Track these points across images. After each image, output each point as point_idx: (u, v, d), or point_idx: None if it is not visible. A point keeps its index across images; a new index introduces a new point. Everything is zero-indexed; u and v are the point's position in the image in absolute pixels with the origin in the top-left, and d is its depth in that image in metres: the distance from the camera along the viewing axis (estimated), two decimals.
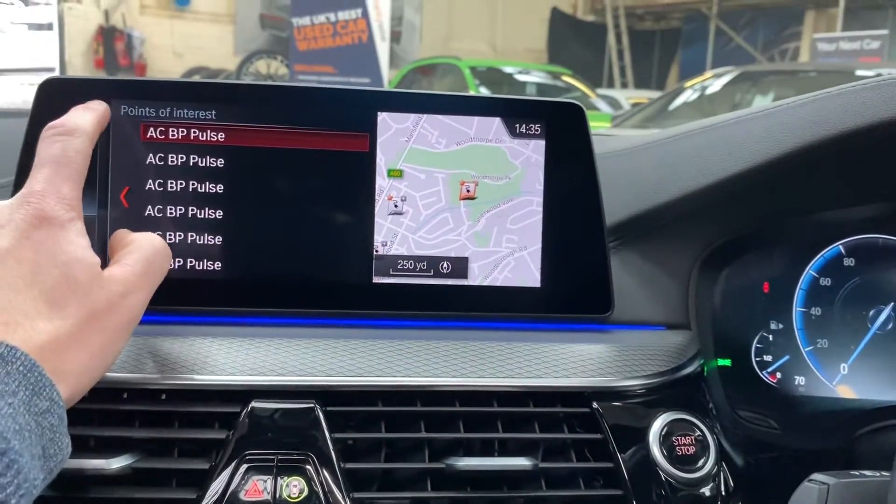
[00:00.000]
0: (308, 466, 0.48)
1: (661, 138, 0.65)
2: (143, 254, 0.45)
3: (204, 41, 10.17)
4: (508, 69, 7.63)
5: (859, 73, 4.70)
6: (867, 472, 0.42)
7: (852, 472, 0.42)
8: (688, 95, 5.34)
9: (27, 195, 0.42)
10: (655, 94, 7.42)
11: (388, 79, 6.85)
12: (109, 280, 0.42)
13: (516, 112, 0.58)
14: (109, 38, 9.86)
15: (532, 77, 7.48)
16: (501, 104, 0.58)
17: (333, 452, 0.49)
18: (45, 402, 0.37)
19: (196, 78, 9.39)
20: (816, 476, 0.42)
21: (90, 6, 9.82)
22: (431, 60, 7.87)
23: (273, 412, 0.50)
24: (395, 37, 9.13)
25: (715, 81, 5.33)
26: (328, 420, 0.50)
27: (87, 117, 0.48)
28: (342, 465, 0.49)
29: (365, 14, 6.47)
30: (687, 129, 0.63)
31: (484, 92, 6.75)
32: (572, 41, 11.76)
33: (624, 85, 11.10)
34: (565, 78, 7.47)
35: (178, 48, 10.14)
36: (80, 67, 9.79)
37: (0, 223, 0.40)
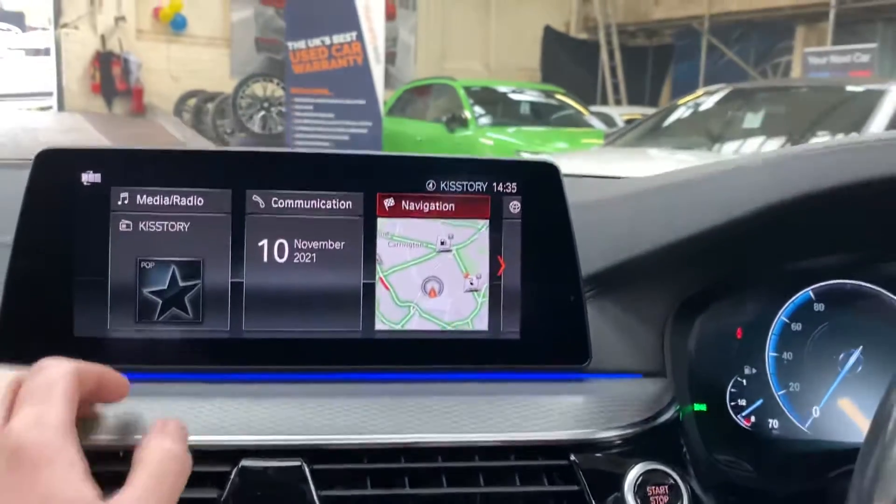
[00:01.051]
0: None
1: (635, 191, 0.68)
2: (156, 470, 0.40)
3: (200, 65, 10.24)
4: (502, 88, 7.69)
5: (849, 88, 4.75)
6: None
7: None
8: (681, 112, 5.39)
9: (6, 432, 0.37)
10: (649, 111, 7.48)
11: (384, 100, 6.90)
12: None
13: (494, 172, 0.61)
14: (106, 62, 9.93)
15: (526, 96, 7.54)
16: (482, 166, 0.61)
17: None
18: None
19: (191, 102, 9.45)
20: None
21: (87, 32, 9.90)
22: (426, 81, 7.93)
23: (262, 470, 0.52)
24: (390, 58, 9.21)
25: (707, 99, 5.38)
26: (315, 478, 0.52)
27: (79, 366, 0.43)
28: None
29: (360, 37, 6.52)
30: (659, 184, 0.65)
31: (478, 111, 6.80)
32: (565, 59, 11.85)
33: (617, 102, 11.17)
34: (559, 96, 7.53)
35: (175, 72, 10.20)
36: (78, 92, 9.86)
37: None
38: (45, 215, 0.58)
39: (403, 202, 0.60)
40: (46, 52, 10.45)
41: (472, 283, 0.61)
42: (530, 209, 0.61)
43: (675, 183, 0.65)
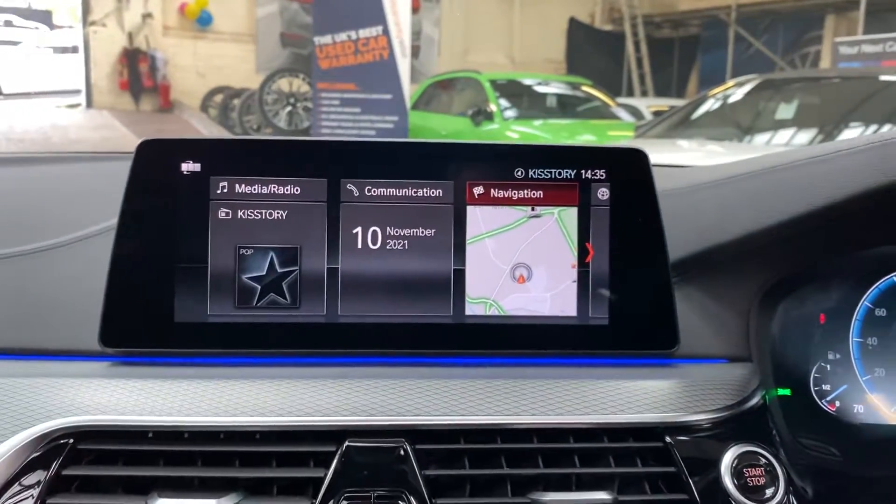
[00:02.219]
0: (401, 503, 0.51)
1: (721, 178, 0.68)
2: None
3: (226, 61, 10.32)
4: (528, 81, 7.66)
5: (883, 78, 4.68)
6: None
7: None
8: (710, 104, 5.34)
9: None
10: (675, 102, 7.42)
11: (409, 94, 6.91)
12: None
13: (582, 159, 0.61)
14: (133, 60, 10.04)
15: (551, 88, 7.50)
16: (570, 153, 0.62)
17: (424, 488, 0.52)
18: None
19: (218, 98, 9.52)
20: None
21: (114, 29, 10.01)
22: (451, 75, 7.92)
23: (367, 450, 0.53)
24: (414, 51, 9.21)
25: (737, 90, 5.32)
26: (417, 457, 0.53)
27: None
28: (433, 501, 0.52)
29: (386, 31, 6.53)
30: (746, 170, 0.66)
31: (504, 104, 6.78)
32: (591, 51, 11.78)
33: (644, 93, 11.09)
34: (585, 88, 7.49)
35: (201, 68, 10.29)
36: (106, 89, 9.98)
37: None
38: (146, 204, 0.59)
39: (492, 190, 0.61)
40: (74, 49, 10.59)
41: (562, 269, 0.62)
42: (618, 196, 0.62)
43: (763, 169, 0.65)
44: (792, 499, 0.57)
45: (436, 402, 0.55)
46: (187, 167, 0.59)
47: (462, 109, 7.02)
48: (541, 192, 0.61)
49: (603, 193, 0.62)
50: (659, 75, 11.65)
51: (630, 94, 10.98)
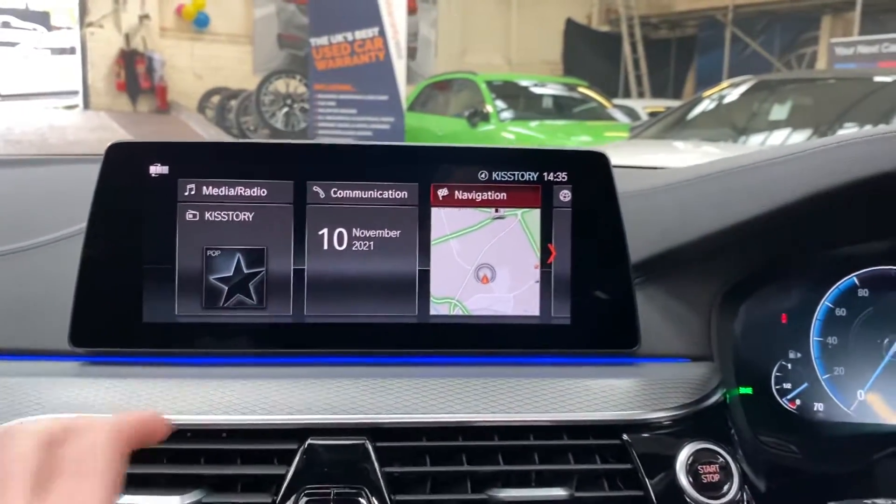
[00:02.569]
0: (361, 499, 0.52)
1: (683, 179, 0.69)
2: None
3: (223, 62, 10.32)
4: (524, 82, 7.67)
5: (878, 79, 4.69)
6: (879, 501, 0.45)
7: (864, 501, 0.46)
8: (705, 105, 5.35)
9: None
10: (672, 103, 7.43)
11: (406, 95, 6.92)
12: None
13: (544, 162, 0.63)
14: (131, 61, 10.05)
15: (548, 89, 7.51)
16: (532, 156, 0.63)
17: (384, 486, 0.53)
18: None
19: (215, 99, 9.53)
20: None
21: (111, 30, 10.02)
22: (447, 76, 7.93)
23: (328, 448, 0.54)
24: (411, 52, 9.23)
25: (732, 91, 5.34)
26: (378, 455, 0.54)
27: (125, 419, 0.40)
28: (393, 498, 0.53)
29: (382, 32, 6.54)
30: (706, 172, 0.67)
31: (500, 105, 6.79)
32: (587, 52, 11.79)
33: (640, 94, 11.10)
34: (581, 89, 7.50)
35: (198, 69, 10.29)
36: (103, 90, 9.98)
37: None
38: (115, 206, 0.60)
39: (456, 192, 0.62)
40: (72, 50, 10.59)
41: (524, 270, 0.63)
42: (580, 198, 0.63)
43: (723, 171, 0.66)
44: (746, 495, 0.58)
45: (398, 400, 0.57)
46: (155, 170, 0.60)
47: (458, 111, 7.03)
48: (504, 194, 0.63)
49: (565, 195, 0.63)
50: (656, 76, 11.67)
51: (627, 95, 10.99)
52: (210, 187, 0.60)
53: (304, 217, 0.61)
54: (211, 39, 10.46)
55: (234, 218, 0.60)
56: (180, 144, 0.61)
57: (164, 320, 0.60)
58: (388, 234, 0.61)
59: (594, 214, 0.63)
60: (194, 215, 0.60)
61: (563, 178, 0.63)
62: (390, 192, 0.62)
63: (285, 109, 8.59)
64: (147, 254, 0.60)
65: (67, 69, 10.73)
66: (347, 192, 0.61)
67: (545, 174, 0.63)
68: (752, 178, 0.62)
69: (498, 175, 0.63)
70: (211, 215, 0.60)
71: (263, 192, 0.60)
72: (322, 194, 0.61)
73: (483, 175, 0.63)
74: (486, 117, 6.62)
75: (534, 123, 6.53)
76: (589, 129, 6.26)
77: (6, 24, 12.77)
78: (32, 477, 0.34)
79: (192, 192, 0.60)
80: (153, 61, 10.09)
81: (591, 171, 0.63)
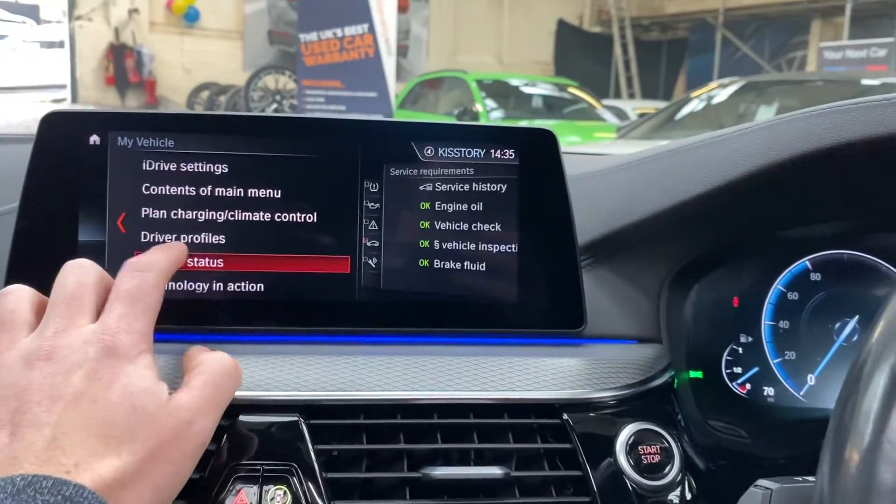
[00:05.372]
0: (292, 477, 0.51)
1: (631, 161, 0.68)
2: (211, 377, 0.46)
3: (213, 57, 10.29)
4: (515, 82, 7.68)
5: (865, 82, 4.71)
6: (810, 478, 0.44)
7: (796, 478, 0.45)
8: (693, 105, 5.36)
9: (103, 330, 0.43)
10: (662, 105, 7.45)
11: (396, 92, 6.91)
12: (176, 408, 0.43)
13: (492, 139, 0.61)
14: (120, 55, 10.01)
15: (538, 89, 7.52)
16: (481, 132, 0.62)
17: (316, 463, 0.52)
18: None
19: (204, 94, 9.50)
20: (762, 482, 0.45)
21: (101, 24, 9.97)
22: (438, 74, 7.93)
23: (259, 425, 0.53)
24: (402, 51, 9.21)
25: (720, 91, 5.35)
26: (312, 433, 0.53)
27: (163, 255, 0.50)
28: (325, 475, 0.52)
29: (371, 29, 6.53)
30: (654, 153, 0.66)
31: (490, 105, 6.79)
32: (579, 53, 11.82)
33: (631, 96, 11.13)
34: (571, 90, 7.51)
35: (188, 64, 10.26)
36: (92, 84, 9.94)
37: (78, 362, 0.42)
38: (49, 176, 0.59)
39: (401, 168, 0.61)
40: (61, 44, 10.53)
41: (468, 248, 0.61)
42: (527, 176, 0.62)
43: (670, 151, 0.65)
44: (688, 477, 0.57)
45: (333, 377, 0.55)
46: (92, 139, 0.59)
47: (448, 109, 7.03)
48: (450, 171, 0.61)
49: (511, 174, 0.62)
50: (646, 78, 11.70)
51: (618, 96, 11.02)
52: (149, 159, 0.59)
53: (244, 190, 0.59)
54: (201, 34, 10.43)
55: (169, 191, 0.59)
56: (118, 114, 0.60)
57: None
58: (327, 209, 0.60)
59: (541, 193, 0.62)
60: (129, 187, 0.59)
61: (511, 155, 0.62)
62: (329, 166, 0.60)
63: (274, 105, 8.57)
64: (81, 227, 0.58)
65: (56, 63, 10.67)
66: (286, 164, 0.60)
67: (492, 151, 0.62)
68: (694, 157, 0.61)
69: (444, 151, 0.61)
70: (146, 188, 0.59)
71: (201, 166, 0.59)
72: (258, 166, 0.59)
73: (429, 151, 0.61)
74: (475, 116, 6.62)
75: (523, 123, 6.54)
76: (578, 130, 6.27)
77: None
78: (98, 299, 0.46)
79: (128, 163, 0.59)
80: (142, 56, 10.05)
81: (538, 149, 0.62)
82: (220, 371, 0.47)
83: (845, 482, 0.34)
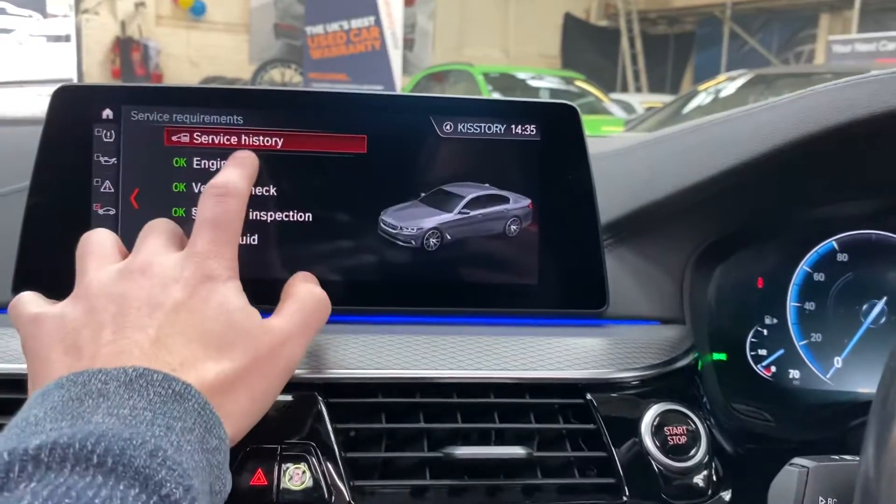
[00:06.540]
0: (311, 456, 0.50)
1: (653, 138, 0.67)
2: (303, 305, 0.48)
3: (219, 51, 10.28)
4: (521, 75, 7.65)
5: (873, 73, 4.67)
6: (847, 457, 0.43)
7: (833, 457, 0.44)
8: (701, 98, 5.34)
9: (192, 254, 0.44)
10: (670, 98, 7.41)
11: (402, 85, 6.89)
12: (270, 328, 0.45)
13: (512, 114, 0.60)
14: (126, 48, 9.99)
15: (545, 82, 7.49)
16: (502, 106, 0.60)
17: (335, 442, 0.51)
18: (215, 440, 0.38)
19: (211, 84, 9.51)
20: (797, 460, 0.44)
21: (107, 17, 9.96)
22: (444, 67, 7.90)
23: (277, 404, 0.51)
24: (408, 44, 9.18)
25: (729, 84, 5.32)
26: (330, 411, 0.52)
27: (242, 176, 0.50)
28: (344, 455, 0.50)
29: (378, 22, 6.51)
30: (678, 129, 0.64)
31: (496, 97, 6.77)
32: (586, 46, 11.77)
33: (638, 89, 11.09)
34: (579, 83, 7.48)
35: (194, 58, 10.25)
36: (98, 77, 9.92)
37: (174, 277, 0.43)
38: (61, 152, 0.58)
39: None
40: (67, 38, 10.50)
41: (489, 228, 0.60)
42: (548, 152, 0.60)
43: (694, 126, 0.63)
44: (714, 460, 0.55)
45: (352, 356, 0.54)
46: (105, 113, 0.57)
47: None
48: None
49: (533, 150, 0.60)
50: (654, 72, 11.65)
51: (625, 90, 10.98)
52: (164, 134, 0.58)
53: (257, 167, 0.58)
54: (207, 28, 10.41)
55: (184, 166, 0.58)
56: (129, 87, 0.58)
57: None
58: (344, 188, 0.59)
59: (563, 170, 0.61)
60: (142, 161, 0.57)
61: (532, 130, 0.60)
62: (344, 143, 0.59)
63: None
64: (94, 203, 0.57)
65: (62, 56, 10.66)
66: (298, 142, 0.58)
67: (513, 126, 0.60)
68: (721, 132, 0.60)
69: (463, 127, 0.60)
70: (161, 163, 0.57)
71: (215, 138, 0.58)
72: (269, 142, 0.58)
73: (448, 126, 0.60)
74: None
75: None
76: (586, 123, 6.19)
77: (2, 11, 12.70)
78: (182, 237, 0.49)
79: (141, 137, 0.57)
80: (148, 49, 10.03)
81: (560, 124, 0.61)
82: (312, 302, 0.48)
83: (893, 463, 0.33)
